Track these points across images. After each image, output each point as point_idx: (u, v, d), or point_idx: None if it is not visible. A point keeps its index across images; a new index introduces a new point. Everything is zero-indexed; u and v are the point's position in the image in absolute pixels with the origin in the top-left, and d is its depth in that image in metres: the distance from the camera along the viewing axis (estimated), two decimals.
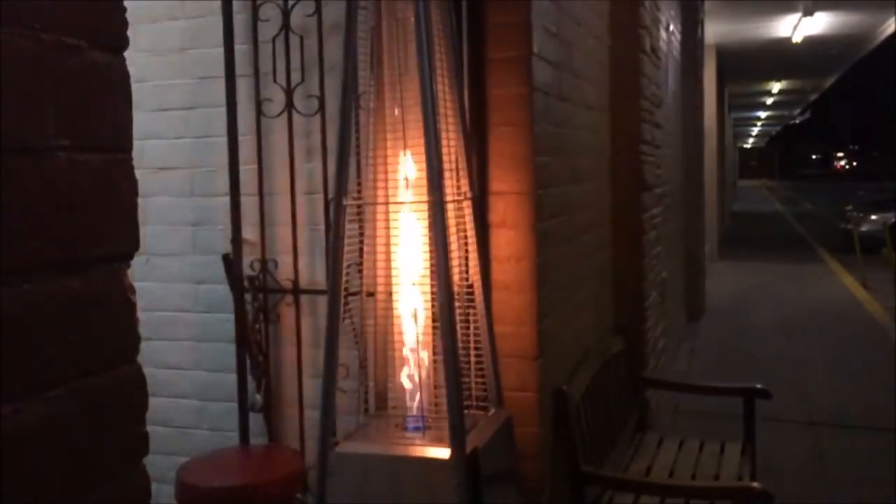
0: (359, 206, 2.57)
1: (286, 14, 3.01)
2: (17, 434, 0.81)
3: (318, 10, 2.97)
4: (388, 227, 2.52)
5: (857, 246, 11.58)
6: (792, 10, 9.47)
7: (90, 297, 0.91)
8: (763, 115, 29.58)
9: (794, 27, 10.36)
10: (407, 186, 2.52)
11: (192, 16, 3.23)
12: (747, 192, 44.20)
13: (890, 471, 4.52)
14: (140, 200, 0.99)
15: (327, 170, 2.97)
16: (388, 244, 2.51)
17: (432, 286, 2.46)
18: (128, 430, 0.97)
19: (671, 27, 6.36)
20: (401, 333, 2.56)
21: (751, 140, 54.93)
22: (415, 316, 2.54)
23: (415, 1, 2.36)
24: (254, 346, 3.11)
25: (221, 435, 3.23)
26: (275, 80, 3.07)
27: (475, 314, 2.62)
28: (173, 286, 3.34)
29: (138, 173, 0.98)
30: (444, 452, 2.31)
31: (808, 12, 9.30)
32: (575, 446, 2.93)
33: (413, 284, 2.54)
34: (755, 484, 2.96)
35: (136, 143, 0.98)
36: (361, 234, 2.58)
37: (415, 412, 2.53)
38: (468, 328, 2.60)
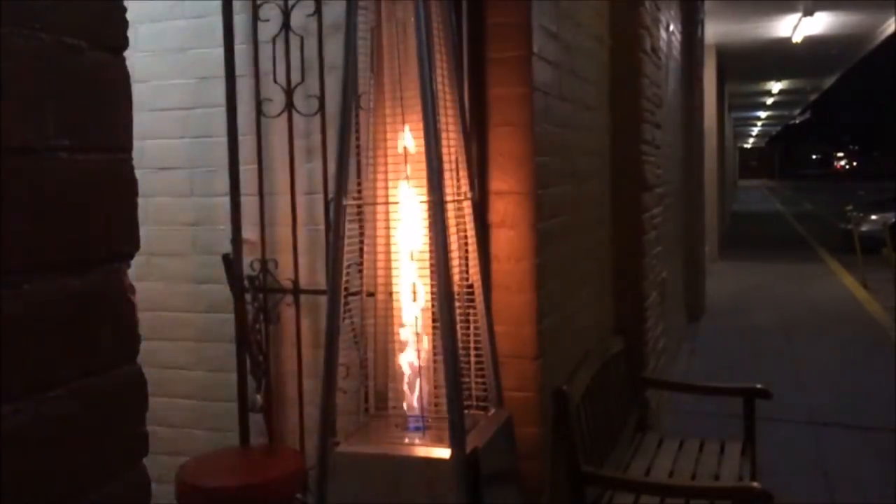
0: (359, 206, 2.57)
1: (286, 14, 3.01)
2: (17, 434, 0.81)
3: (318, 10, 2.97)
4: (388, 227, 2.52)
5: (857, 246, 11.59)
6: (792, 10, 9.47)
7: (90, 297, 0.91)
8: (763, 115, 29.58)
9: (794, 27, 10.36)
10: (407, 186, 2.52)
11: (192, 16, 3.23)
12: (747, 192, 44.21)
13: (890, 471, 4.52)
14: (140, 200, 0.98)
15: (327, 170, 2.97)
16: (388, 244, 2.51)
17: (432, 286, 2.46)
18: (128, 430, 0.97)
19: (671, 27, 6.36)
20: (401, 333, 2.56)
21: (751, 140, 54.92)
22: (415, 316, 2.54)
23: (415, 1, 2.36)
24: (254, 346, 3.11)
25: (221, 435, 3.23)
26: (275, 80, 3.07)
27: (475, 314, 2.62)
28: (173, 286, 3.34)
29: (138, 173, 0.98)
30: (444, 452, 2.31)
31: (808, 12, 9.30)
32: (575, 446, 2.93)
33: (413, 284, 2.54)
34: (755, 484, 2.96)
35: (136, 143, 0.98)
36: (361, 234, 2.58)
37: (415, 412, 2.53)
38: (468, 328, 2.60)
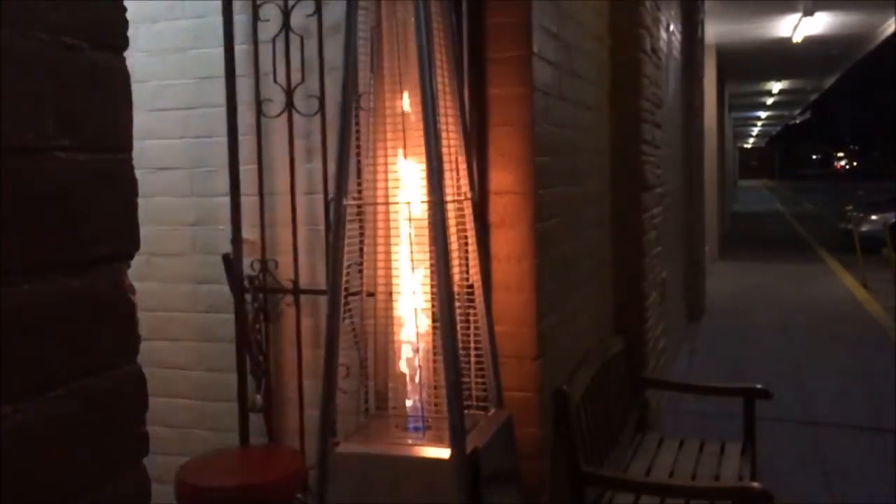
0: (359, 206, 2.57)
1: (286, 14, 3.01)
2: (17, 434, 0.81)
3: (318, 11, 2.97)
4: (388, 227, 2.52)
5: (857, 246, 11.59)
6: (792, 10, 9.47)
7: (90, 297, 0.91)
8: (763, 115, 29.57)
9: (794, 27, 10.36)
10: (407, 186, 2.52)
11: (192, 16, 3.24)
12: (748, 192, 44.22)
13: (890, 471, 4.52)
14: (140, 200, 0.98)
15: (327, 170, 2.98)
16: (388, 244, 2.51)
17: (432, 286, 2.46)
18: (128, 430, 0.97)
19: (671, 27, 6.36)
20: (401, 333, 2.56)
21: (751, 140, 54.90)
22: (415, 316, 2.54)
23: (415, 1, 2.36)
24: (254, 346, 3.11)
25: (221, 435, 3.23)
26: (275, 80, 3.07)
27: (475, 314, 2.62)
28: (173, 286, 3.34)
29: (138, 173, 0.98)
30: (444, 452, 2.31)
31: (808, 12, 9.30)
32: (575, 446, 2.93)
33: (413, 284, 2.54)
34: (755, 484, 2.96)
35: (136, 143, 0.98)
36: (361, 234, 2.58)
37: (415, 412, 2.53)
38: (468, 328, 2.60)
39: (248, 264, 3.13)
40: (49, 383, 0.85)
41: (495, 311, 2.72)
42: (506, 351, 2.75)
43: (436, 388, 2.52)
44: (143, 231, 0.98)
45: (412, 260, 2.53)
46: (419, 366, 2.52)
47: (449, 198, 2.45)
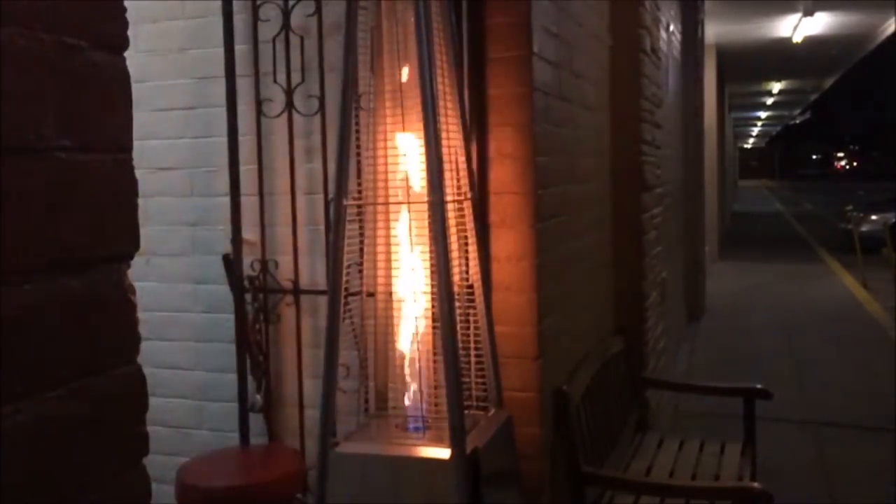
0: (359, 206, 2.57)
1: (286, 14, 3.01)
2: (17, 434, 0.81)
3: (318, 10, 2.97)
4: (388, 227, 2.52)
5: (857, 246, 11.59)
6: (792, 10, 9.47)
7: (90, 297, 0.91)
8: (763, 115, 29.58)
9: (795, 27, 10.36)
10: (407, 186, 2.52)
11: (192, 16, 3.23)
12: (748, 192, 44.21)
13: (890, 471, 4.52)
14: (140, 200, 0.98)
15: (327, 170, 2.97)
16: (388, 244, 2.51)
17: (432, 286, 2.46)
18: (128, 430, 0.97)
19: (671, 27, 6.36)
20: (401, 333, 2.56)
21: (751, 140, 54.93)
22: (415, 316, 2.54)
23: (415, 1, 2.36)
24: (254, 347, 3.11)
25: (221, 435, 3.23)
26: (275, 80, 3.07)
27: (475, 314, 2.62)
28: (173, 286, 3.33)
29: (138, 173, 0.98)
30: (444, 452, 2.31)
31: (808, 12, 9.30)
32: (575, 446, 2.93)
33: (413, 284, 2.54)
34: (755, 484, 2.96)
35: (136, 143, 0.98)
36: (361, 234, 2.58)
37: (415, 412, 2.53)
38: (468, 328, 2.60)
39: (248, 264, 3.13)
40: (49, 383, 0.85)
41: (495, 312, 2.72)
42: (506, 351, 2.75)
43: (436, 388, 2.52)
44: (143, 231, 0.98)
45: (412, 260, 2.53)
46: (419, 366, 2.52)
47: (449, 198, 2.45)
